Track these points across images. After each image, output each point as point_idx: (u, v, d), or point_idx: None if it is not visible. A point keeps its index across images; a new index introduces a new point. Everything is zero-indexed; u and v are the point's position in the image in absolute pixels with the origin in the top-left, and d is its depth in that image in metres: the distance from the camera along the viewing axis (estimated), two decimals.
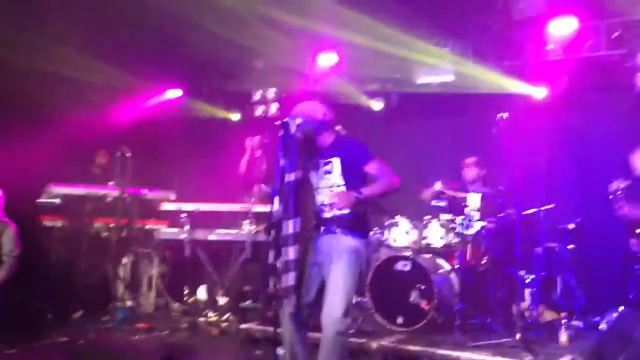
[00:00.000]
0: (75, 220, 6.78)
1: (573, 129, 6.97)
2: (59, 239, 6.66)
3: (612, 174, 6.32)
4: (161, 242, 7.10)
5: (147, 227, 7.06)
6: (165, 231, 6.99)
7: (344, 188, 3.95)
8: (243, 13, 6.57)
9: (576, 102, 6.90)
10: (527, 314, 5.59)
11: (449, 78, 7.02)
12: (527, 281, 5.72)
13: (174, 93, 8.48)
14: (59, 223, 6.70)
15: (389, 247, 6.04)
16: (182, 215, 6.81)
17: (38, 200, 6.65)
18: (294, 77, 7.73)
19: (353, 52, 7.42)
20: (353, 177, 3.98)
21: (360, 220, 4.02)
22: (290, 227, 3.82)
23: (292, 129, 3.89)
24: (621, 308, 5.48)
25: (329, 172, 4.02)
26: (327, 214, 3.98)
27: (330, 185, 3.99)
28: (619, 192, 5.03)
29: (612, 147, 6.52)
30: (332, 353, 3.80)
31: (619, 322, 5.06)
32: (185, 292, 7.30)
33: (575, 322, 5.72)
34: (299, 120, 3.92)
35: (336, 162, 4.00)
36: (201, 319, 6.46)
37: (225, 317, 6.46)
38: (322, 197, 4.02)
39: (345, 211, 3.93)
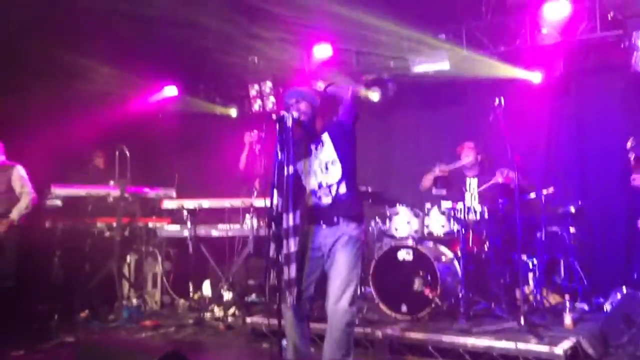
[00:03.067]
0: (77, 221, 6.81)
1: (570, 112, 6.97)
2: (63, 240, 6.68)
3: (611, 155, 6.36)
4: (164, 239, 7.14)
5: (150, 225, 7.09)
6: (168, 229, 7.02)
7: (338, 162, 3.95)
8: (237, 8, 6.58)
9: (573, 84, 6.91)
10: (531, 298, 5.63)
11: (444, 66, 7.01)
12: (529, 265, 5.75)
13: (171, 90, 8.47)
14: (61, 224, 6.72)
15: (391, 236, 6.06)
16: (184, 212, 6.83)
17: (40, 202, 6.66)
18: (290, 70, 7.72)
19: (348, 43, 7.41)
20: (344, 146, 3.98)
21: (356, 208, 4.03)
22: (290, 219, 3.83)
23: (289, 122, 3.89)
24: (624, 289, 5.50)
25: (321, 149, 4.01)
26: (325, 200, 3.97)
27: (325, 161, 3.99)
28: (630, 154, 4.85)
29: (610, 128, 6.53)
30: (341, 343, 3.82)
31: (622, 303, 5.09)
32: (190, 288, 7.34)
33: (579, 305, 5.75)
34: (295, 114, 3.93)
35: (326, 138, 4.00)
36: (207, 315, 6.50)
37: (230, 311, 6.50)
38: (316, 179, 4.02)
39: (343, 191, 3.93)
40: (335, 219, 3.95)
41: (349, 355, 3.87)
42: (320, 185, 4.01)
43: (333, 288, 3.86)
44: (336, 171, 3.97)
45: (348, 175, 3.97)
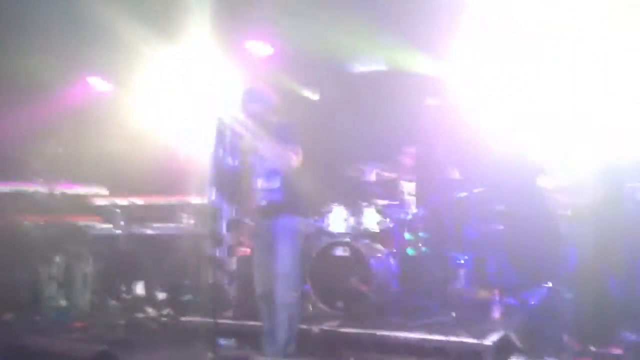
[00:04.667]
0: (2, 219, 6.51)
1: (500, 113, 7.17)
2: None
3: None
4: (95, 238, 6.92)
5: (80, 223, 6.85)
6: (99, 227, 6.81)
7: (279, 172, 4.15)
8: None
9: (501, 86, 7.10)
10: (461, 293, 5.79)
11: (381, 66, 7.13)
12: (460, 262, 5.92)
13: (103, 84, 8.23)
14: None
15: (327, 233, 6.10)
16: (116, 210, 6.65)
17: None
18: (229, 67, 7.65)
19: (287, 42, 7.42)
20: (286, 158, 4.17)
21: (296, 202, 4.13)
22: (229, 214, 3.91)
23: (228, 118, 3.97)
24: (550, 284, 5.75)
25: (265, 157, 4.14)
26: (264, 201, 4.12)
27: (268, 168, 4.12)
28: None
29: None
30: (283, 325, 4.13)
31: (548, 298, 5.31)
32: (123, 288, 7.14)
33: (507, 299, 5.95)
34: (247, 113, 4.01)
35: (270, 148, 4.18)
36: (140, 315, 6.34)
37: (164, 311, 6.37)
38: (260, 182, 4.16)
39: (278, 197, 4.16)
40: (275, 216, 4.17)
41: (290, 342, 4.13)
42: (262, 188, 4.23)
43: (279, 277, 4.15)
44: (276, 180, 4.18)
45: (287, 183, 4.19)
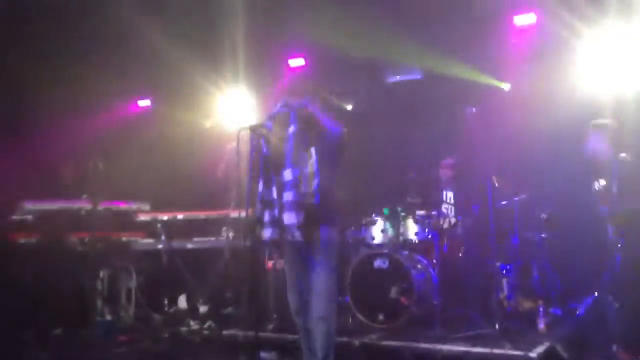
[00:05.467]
0: (49, 236, 6.69)
1: (541, 119, 7.06)
2: (34, 255, 6.56)
3: (582, 162, 6.45)
4: (138, 253, 7.05)
5: (123, 239, 6.99)
6: (142, 242, 6.95)
7: (318, 175, 4.09)
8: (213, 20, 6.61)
9: (542, 91, 7.00)
10: (505, 303, 5.68)
11: (417, 75, 7.10)
12: (503, 271, 5.81)
13: (144, 102, 8.42)
14: (32, 240, 6.61)
15: (367, 245, 6.08)
16: (158, 225, 6.78)
17: (10, 218, 6.55)
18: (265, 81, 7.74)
19: (322, 55, 7.46)
20: (326, 161, 4.12)
21: (331, 211, 4.14)
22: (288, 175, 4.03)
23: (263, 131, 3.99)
24: (596, 294, 5.59)
25: (305, 161, 4.13)
26: (301, 206, 4.10)
27: (306, 173, 4.11)
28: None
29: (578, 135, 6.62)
30: (320, 336, 4.01)
31: (594, 307, 5.17)
32: (165, 302, 7.25)
33: (552, 310, 5.81)
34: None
35: (312, 151, 4.13)
36: (183, 328, 6.42)
37: (207, 324, 6.44)
38: (301, 185, 4.15)
39: (316, 201, 4.08)
40: (309, 224, 4.07)
41: (328, 356, 4.01)
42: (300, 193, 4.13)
43: (313, 286, 4.06)
44: (314, 183, 4.09)
45: (323, 187, 4.09)
